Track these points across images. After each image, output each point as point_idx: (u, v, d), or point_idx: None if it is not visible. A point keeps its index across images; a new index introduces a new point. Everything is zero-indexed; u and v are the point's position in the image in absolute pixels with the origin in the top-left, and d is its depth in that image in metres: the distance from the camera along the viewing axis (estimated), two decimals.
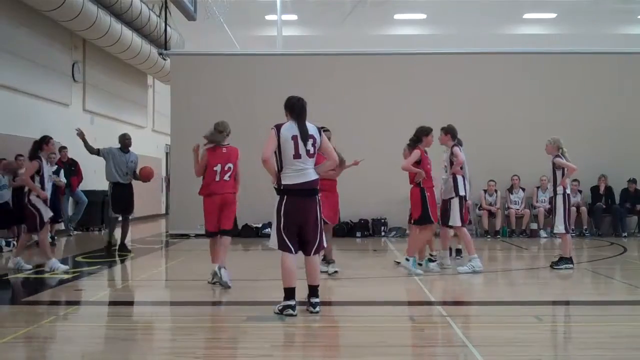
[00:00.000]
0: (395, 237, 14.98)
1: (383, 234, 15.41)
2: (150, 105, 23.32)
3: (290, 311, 6.32)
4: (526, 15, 23.95)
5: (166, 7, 17.60)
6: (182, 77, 16.30)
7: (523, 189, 15.54)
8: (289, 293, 6.40)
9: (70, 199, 15.60)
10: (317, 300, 6.55)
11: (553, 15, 23.89)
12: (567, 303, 7.56)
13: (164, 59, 17.99)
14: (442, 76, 15.70)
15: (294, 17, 22.96)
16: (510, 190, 15.53)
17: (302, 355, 5.40)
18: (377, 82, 15.63)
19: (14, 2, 13.55)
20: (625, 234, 15.01)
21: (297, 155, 6.36)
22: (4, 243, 12.16)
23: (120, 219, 12.24)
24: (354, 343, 5.64)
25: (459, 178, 9.41)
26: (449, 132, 9.63)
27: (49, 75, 15.64)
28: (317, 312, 6.47)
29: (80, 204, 15.59)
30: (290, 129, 6.40)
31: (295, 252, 6.47)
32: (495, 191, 15.36)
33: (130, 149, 12.14)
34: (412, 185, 9.20)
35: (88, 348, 5.60)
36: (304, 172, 6.41)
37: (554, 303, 7.51)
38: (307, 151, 6.41)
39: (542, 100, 15.54)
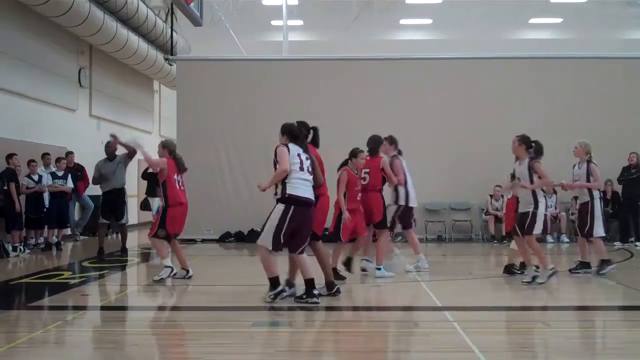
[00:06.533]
0: (402, 242, 14.94)
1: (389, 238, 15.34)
2: (157, 110, 23.37)
3: (284, 294, 7.16)
4: (532, 20, 23.95)
5: (172, 13, 17.64)
6: (188, 82, 16.34)
7: None
8: (277, 281, 7.12)
9: (77, 204, 15.65)
10: (317, 291, 7.18)
11: (559, 20, 23.88)
12: (574, 308, 7.53)
13: (170, 65, 18.04)
14: (448, 81, 15.69)
15: (299, 22, 23.00)
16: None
17: None
18: (382, 86, 15.63)
19: (21, 8, 13.61)
20: (633, 238, 14.92)
21: (302, 168, 7.08)
22: (11, 248, 12.19)
23: (111, 224, 12.59)
24: (359, 348, 5.63)
25: (400, 188, 9.66)
26: (393, 142, 9.89)
27: (55, 80, 15.70)
28: (319, 303, 7.09)
29: (86, 209, 15.63)
30: (295, 148, 7.19)
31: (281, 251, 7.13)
32: (502, 196, 15.31)
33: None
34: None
35: (94, 353, 5.61)
36: (309, 184, 7.13)
37: (561, 308, 7.48)
38: (307, 168, 7.16)
39: (548, 105, 15.50)
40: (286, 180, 6.99)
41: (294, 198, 6.93)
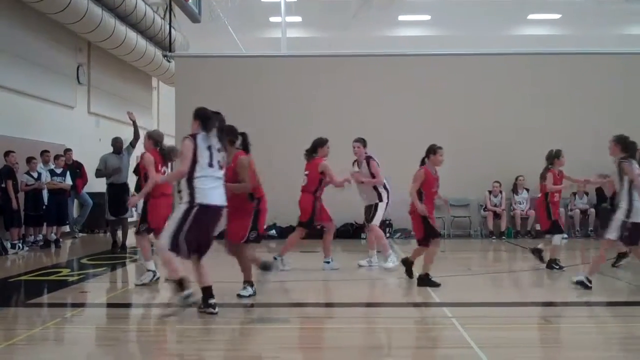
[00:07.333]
0: (400, 239, 14.96)
1: (388, 235, 15.34)
2: (155, 107, 23.35)
3: (192, 299, 6.16)
4: (531, 16, 23.92)
5: (170, 10, 17.61)
6: (186, 79, 16.31)
7: (527, 190, 15.49)
8: (185, 282, 6.16)
9: (76, 201, 15.64)
10: (214, 300, 6.49)
11: (557, 16, 23.85)
12: (573, 304, 7.53)
13: (169, 61, 18.01)
14: (446, 77, 15.68)
15: (298, 19, 22.96)
16: (515, 191, 15.49)
17: (309, 356, 5.40)
18: (381, 83, 15.60)
19: (19, 4, 13.59)
20: None
21: (212, 164, 6.39)
22: (9, 245, 12.18)
23: (117, 220, 12.60)
24: (359, 344, 5.63)
25: (381, 187, 9.81)
26: (365, 144, 10.00)
27: (54, 77, 15.68)
28: (217, 313, 6.43)
29: (85, 206, 15.63)
30: (205, 139, 6.44)
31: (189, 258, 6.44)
32: (500, 192, 15.32)
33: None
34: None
35: (93, 350, 5.62)
36: (219, 183, 6.44)
37: (560, 304, 7.49)
38: (218, 162, 6.47)
39: (546, 101, 15.50)
40: (194, 180, 6.30)
41: (204, 206, 6.25)
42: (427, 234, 8.21)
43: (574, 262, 9.70)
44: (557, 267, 9.55)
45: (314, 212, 9.40)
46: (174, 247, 6.20)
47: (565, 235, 14.43)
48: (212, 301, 6.45)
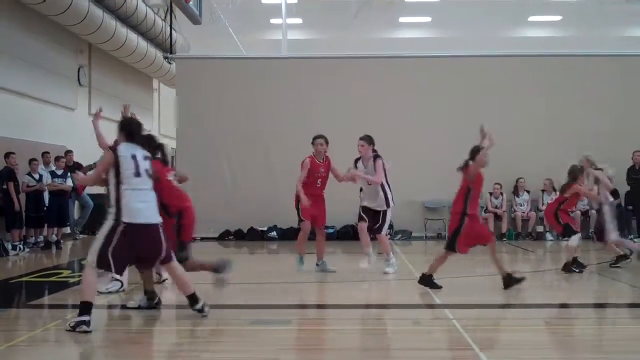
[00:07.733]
0: (402, 240, 14.95)
1: (389, 236, 15.31)
2: (156, 109, 23.35)
3: (85, 327, 5.76)
4: (531, 18, 23.94)
5: (171, 11, 17.63)
6: (187, 81, 16.33)
7: (528, 192, 15.49)
8: (88, 307, 5.88)
9: (77, 202, 15.64)
10: (199, 305, 6.41)
11: (558, 18, 23.87)
12: (573, 306, 7.53)
13: (169, 63, 18.04)
14: (447, 79, 15.68)
15: (299, 20, 22.99)
16: (516, 192, 15.48)
17: (308, 358, 5.40)
18: (382, 85, 15.61)
19: (20, 6, 13.61)
20: (632, 236, 14.91)
21: (138, 173, 6.08)
22: (10, 247, 12.19)
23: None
24: (360, 346, 5.63)
25: (386, 190, 9.45)
26: (371, 142, 9.55)
27: (54, 79, 15.70)
28: (206, 316, 6.41)
29: (86, 208, 15.62)
30: (129, 148, 6.24)
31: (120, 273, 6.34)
32: (501, 194, 15.31)
33: None
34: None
35: (94, 351, 5.61)
36: (147, 196, 6.12)
37: (561, 306, 7.48)
38: (146, 171, 6.16)
39: (547, 103, 15.50)
40: (120, 194, 5.96)
41: (130, 225, 5.89)
42: (456, 232, 8.00)
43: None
44: (578, 270, 9.47)
45: (297, 204, 9.36)
46: (101, 264, 5.92)
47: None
48: (197, 307, 6.39)
